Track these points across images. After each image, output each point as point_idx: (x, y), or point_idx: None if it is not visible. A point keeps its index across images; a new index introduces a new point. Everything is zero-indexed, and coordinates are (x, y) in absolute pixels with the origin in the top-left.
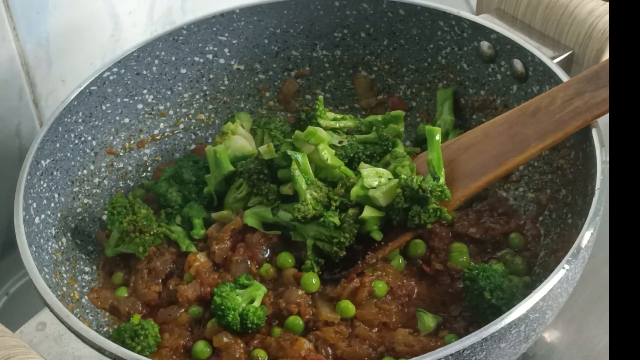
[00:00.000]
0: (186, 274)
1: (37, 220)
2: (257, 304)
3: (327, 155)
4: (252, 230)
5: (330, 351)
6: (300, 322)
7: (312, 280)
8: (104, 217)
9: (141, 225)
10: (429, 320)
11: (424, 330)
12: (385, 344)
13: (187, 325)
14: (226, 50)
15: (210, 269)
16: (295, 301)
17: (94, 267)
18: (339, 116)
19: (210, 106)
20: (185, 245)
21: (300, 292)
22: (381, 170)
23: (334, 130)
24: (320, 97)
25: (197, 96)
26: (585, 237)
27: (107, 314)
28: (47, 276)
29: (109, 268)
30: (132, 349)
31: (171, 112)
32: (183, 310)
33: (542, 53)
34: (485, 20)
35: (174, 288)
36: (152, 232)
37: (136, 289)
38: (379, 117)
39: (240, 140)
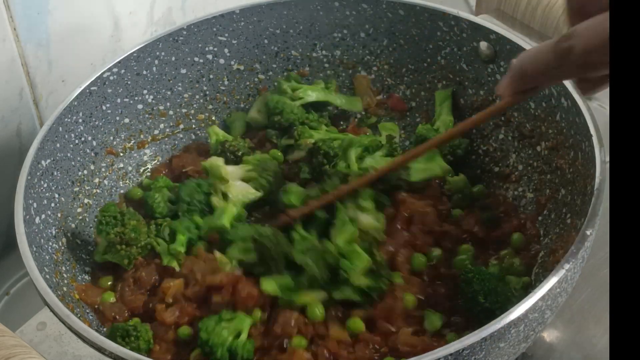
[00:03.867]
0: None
1: (37, 220)
2: (244, 336)
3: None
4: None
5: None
6: (304, 342)
7: (317, 311)
8: None
9: (128, 238)
10: (435, 319)
11: (431, 329)
12: (389, 344)
13: (174, 342)
14: (226, 50)
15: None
16: (293, 325)
17: (94, 267)
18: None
19: (210, 106)
20: (167, 260)
21: (296, 314)
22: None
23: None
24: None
25: (197, 96)
26: (584, 237)
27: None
28: (47, 276)
29: (99, 272)
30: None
31: (171, 112)
32: (171, 330)
33: None
34: (485, 20)
35: (153, 306)
36: (139, 245)
37: (123, 296)
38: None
39: (240, 185)
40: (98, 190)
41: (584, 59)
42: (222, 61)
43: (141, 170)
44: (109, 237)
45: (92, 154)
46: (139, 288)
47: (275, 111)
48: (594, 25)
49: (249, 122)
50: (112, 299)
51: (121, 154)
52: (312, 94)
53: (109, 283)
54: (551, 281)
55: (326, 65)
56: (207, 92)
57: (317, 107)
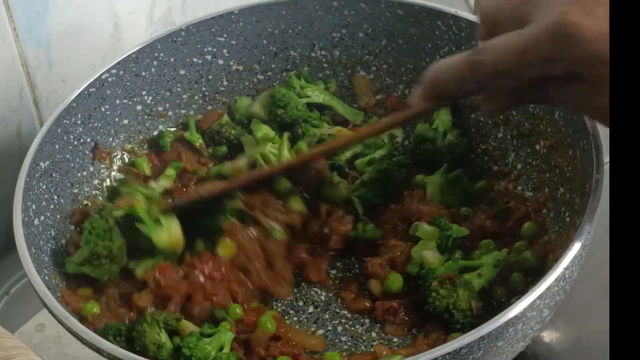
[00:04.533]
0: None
1: (36, 222)
2: (226, 350)
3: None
4: None
5: None
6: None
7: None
8: None
9: (114, 255)
10: None
11: None
12: None
13: None
14: (225, 51)
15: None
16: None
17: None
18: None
19: (210, 107)
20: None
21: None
22: None
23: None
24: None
25: (196, 97)
26: (583, 235)
27: None
28: (46, 278)
29: (73, 282)
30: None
31: (170, 113)
32: None
33: None
34: None
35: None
36: (122, 264)
37: (110, 309)
38: None
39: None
40: (97, 192)
41: (493, 69)
42: (221, 62)
43: None
44: (96, 248)
45: (92, 156)
46: (124, 303)
47: (280, 104)
48: (504, 40)
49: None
50: (96, 310)
51: None
52: (320, 96)
53: (87, 294)
54: (549, 279)
55: (325, 65)
56: (206, 93)
57: (318, 107)
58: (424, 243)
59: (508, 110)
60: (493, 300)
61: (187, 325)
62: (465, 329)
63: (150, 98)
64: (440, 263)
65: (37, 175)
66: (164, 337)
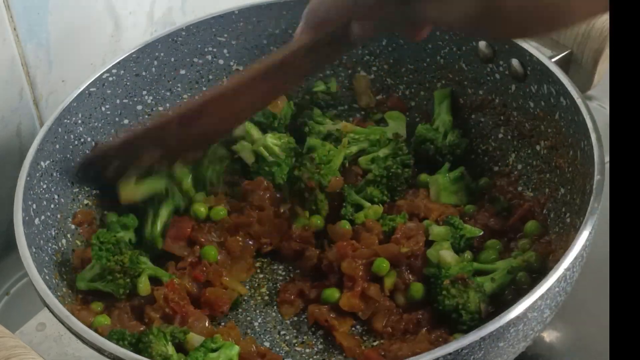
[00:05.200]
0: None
1: (37, 221)
2: None
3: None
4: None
5: None
6: None
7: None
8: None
9: (127, 267)
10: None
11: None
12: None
13: None
14: (225, 51)
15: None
16: None
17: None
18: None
19: None
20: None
21: None
22: None
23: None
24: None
25: (197, 97)
26: (584, 236)
27: None
28: (47, 277)
29: (83, 297)
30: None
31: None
32: None
33: (540, 52)
34: None
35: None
36: (136, 275)
37: (122, 322)
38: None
39: None
40: (98, 192)
41: None
42: (221, 62)
43: None
44: (109, 263)
45: None
46: (136, 317)
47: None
48: None
49: None
50: (107, 322)
51: None
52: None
53: (99, 309)
54: (550, 280)
55: (325, 65)
56: None
57: (320, 105)
58: (438, 244)
59: (379, 35)
60: (503, 306)
61: (195, 339)
62: (469, 331)
63: (151, 98)
64: (457, 263)
65: (37, 175)
66: (170, 349)
